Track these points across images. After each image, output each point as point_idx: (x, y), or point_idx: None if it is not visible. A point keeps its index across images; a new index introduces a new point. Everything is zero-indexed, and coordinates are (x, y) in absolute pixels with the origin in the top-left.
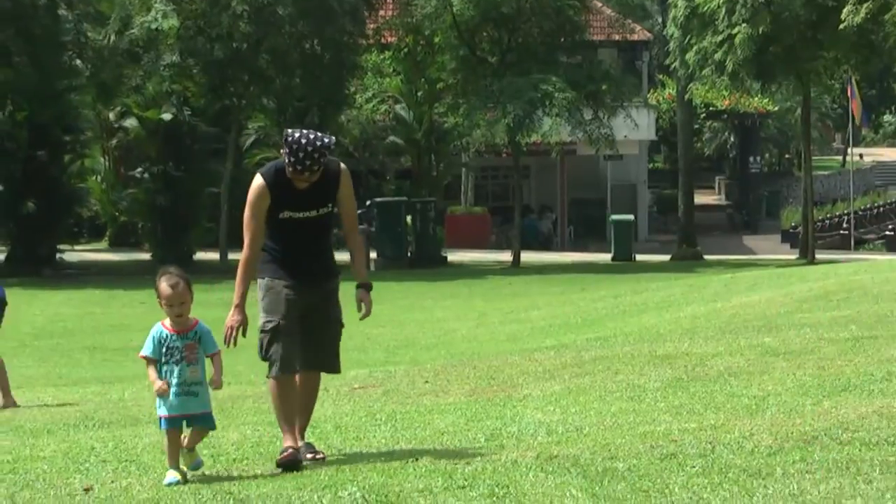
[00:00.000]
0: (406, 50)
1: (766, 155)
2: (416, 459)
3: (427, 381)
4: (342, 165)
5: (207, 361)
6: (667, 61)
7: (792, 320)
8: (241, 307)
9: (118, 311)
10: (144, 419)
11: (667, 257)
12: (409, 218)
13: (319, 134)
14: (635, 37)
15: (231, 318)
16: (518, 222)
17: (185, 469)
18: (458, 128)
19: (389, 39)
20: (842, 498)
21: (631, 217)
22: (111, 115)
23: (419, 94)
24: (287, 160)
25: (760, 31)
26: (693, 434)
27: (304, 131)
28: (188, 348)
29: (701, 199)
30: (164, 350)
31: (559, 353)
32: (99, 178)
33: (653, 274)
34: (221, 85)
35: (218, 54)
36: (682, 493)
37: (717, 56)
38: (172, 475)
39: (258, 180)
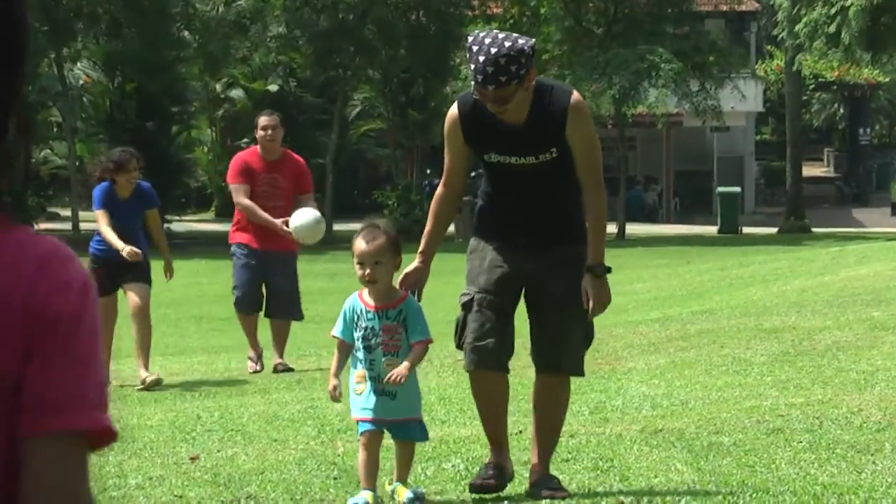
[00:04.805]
0: (512, 21)
1: (877, 126)
2: (520, 432)
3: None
4: (574, 97)
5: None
6: (774, 31)
7: None
8: (423, 255)
9: (225, 281)
10: (251, 389)
11: (774, 230)
12: None
13: (514, 35)
14: (743, 7)
15: (409, 267)
16: (623, 194)
17: (385, 492)
18: None
19: (495, 10)
20: None
21: (738, 189)
22: (218, 87)
23: None
24: (468, 69)
25: (874, 2)
26: (800, 409)
27: (494, 31)
28: (387, 331)
29: (809, 171)
30: (357, 330)
31: (664, 326)
32: (206, 148)
33: (759, 247)
34: (327, 56)
35: (324, 25)
36: (788, 469)
37: (830, 28)
38: (361, 496)
39: (452, 108)
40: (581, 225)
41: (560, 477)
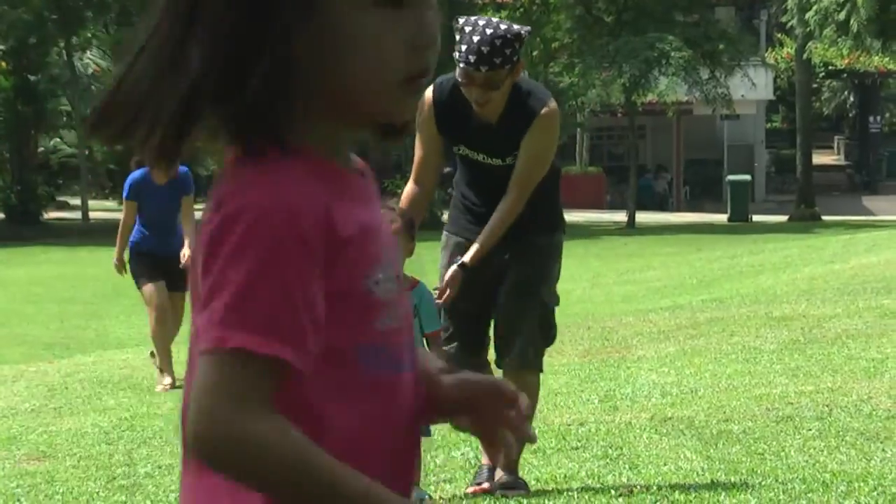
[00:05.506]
0: (522, 9)
1: (887, 114)
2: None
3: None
4: (547, 108)
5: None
6: (784, 19)
7: None
8: None
9: None
10: None
11: (784, 218)
12: None
13: (507, 21)
14: None
15: None
16: (633, 182)
17: None
18: (573, 87)
19: None
20: None
21: (748, 177)
22: None
23: (534, 53)
24: (457, 50)
25: None
26: (810, 397)
27: (486, 17)
28: None
29: (819, 159)
30: None
31: (674, 315)
32: None
33: (769, 235)
34: None
35: None
36: (797, 457)
37: (840, 16)
38: None
39: (426, 94)
40: (556, 214)
41: (569, 465)
